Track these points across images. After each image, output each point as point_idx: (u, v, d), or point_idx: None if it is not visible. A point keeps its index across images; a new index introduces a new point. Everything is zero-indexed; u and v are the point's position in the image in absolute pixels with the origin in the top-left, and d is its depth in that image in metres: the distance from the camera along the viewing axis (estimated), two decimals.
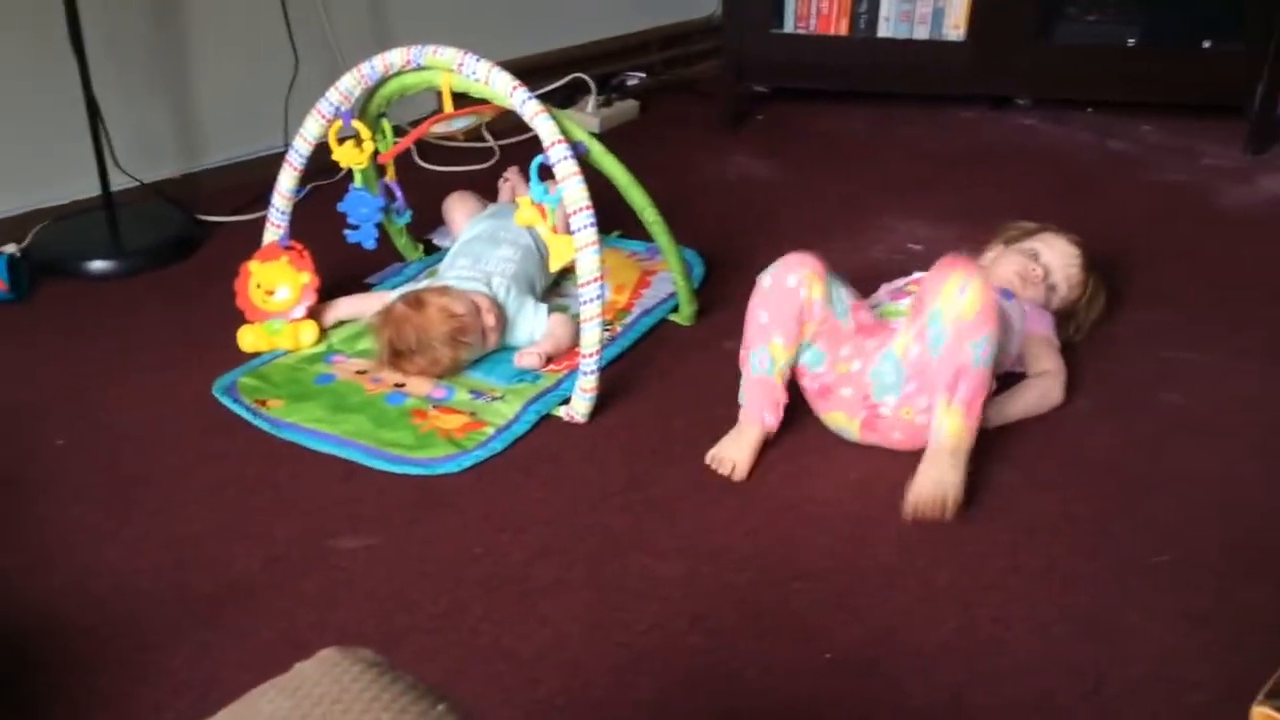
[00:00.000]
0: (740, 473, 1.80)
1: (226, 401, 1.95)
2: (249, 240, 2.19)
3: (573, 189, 1.85)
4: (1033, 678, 1.44)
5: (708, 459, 1.83)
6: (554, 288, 2.28)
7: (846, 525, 1.70)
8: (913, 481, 1.69)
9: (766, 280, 1.82)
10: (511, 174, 2.63)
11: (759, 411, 1.83)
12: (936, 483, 1.68)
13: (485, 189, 2.59)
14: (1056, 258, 2.14)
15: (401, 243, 2.39)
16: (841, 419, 1.87)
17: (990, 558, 1.64)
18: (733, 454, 1.81)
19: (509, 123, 2.00)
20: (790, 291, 1.77)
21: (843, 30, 3.17)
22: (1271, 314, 2.31)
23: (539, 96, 1.92)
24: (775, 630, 1.51)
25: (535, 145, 1.93)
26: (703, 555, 1.64)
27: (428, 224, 2.52)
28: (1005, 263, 2.14)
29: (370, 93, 2.07)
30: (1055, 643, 1.50)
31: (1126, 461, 1.85)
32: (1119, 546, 1.67)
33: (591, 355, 1.88)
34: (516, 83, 1.90)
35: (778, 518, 1.72)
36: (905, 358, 1.79)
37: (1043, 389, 1.97)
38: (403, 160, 2.21)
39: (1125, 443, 1.90)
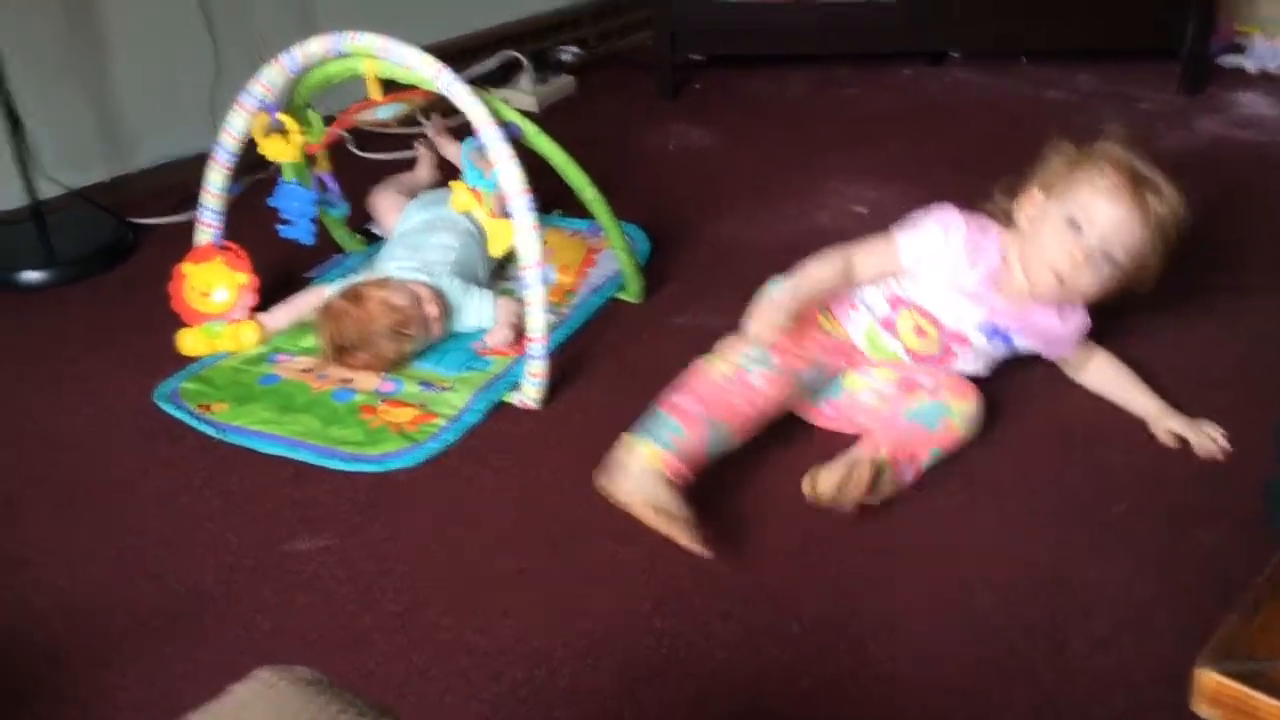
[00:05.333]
0: None
1: (169, 408, 1.90)
2: (184, 242, 2.13)
3: (508, 172, 1.81)
4: (999, 637, 1.44)
5: None
6: (499, 271, 2.25)
7: None
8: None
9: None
10: (430, 131, 2.51)
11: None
12: (848, 465, 1.61)
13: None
14: (1108, 223, 1.65)
15: (340, 234, 2.34)
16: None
17: (949, 519, 1.64)
18: None
19: (448, 105, 1.94)
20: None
21: None
22: (1215, 256, 2.31)
23: (475, 78, 1.88)
24: (740, 606, 1.50)
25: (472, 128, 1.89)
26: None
27: (368, 213, 2.47)
28: (1048, 237, 1.67)
29: (294, 84, 2.01)
30: (1019, 601, 1.49)
31: (1077, 414, 1.85)
32: (1076, 500, 1.67)
33: (538, 340, 1.85)
34: (441, 66, 1.86)
35: (739, 493, 1.71)
36: (857, 394, 1.77)
37: (1117, 365, 1.86)
38: (340, 150, 2.16)
39: (1074, 396, 1.90)
